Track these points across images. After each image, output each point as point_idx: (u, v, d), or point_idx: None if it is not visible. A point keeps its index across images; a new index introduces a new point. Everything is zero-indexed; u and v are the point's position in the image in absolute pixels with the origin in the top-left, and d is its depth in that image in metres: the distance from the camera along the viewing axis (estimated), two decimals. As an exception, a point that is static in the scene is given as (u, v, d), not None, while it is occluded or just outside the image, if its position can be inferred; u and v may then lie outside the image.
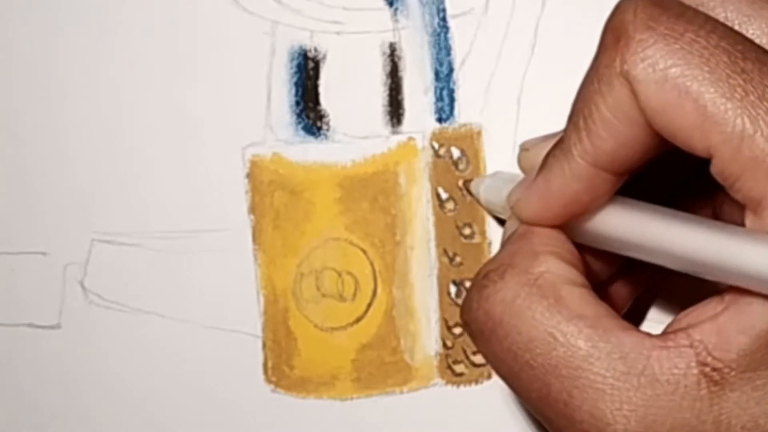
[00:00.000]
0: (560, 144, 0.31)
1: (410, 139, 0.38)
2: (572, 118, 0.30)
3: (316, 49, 0.38)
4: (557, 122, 0.38)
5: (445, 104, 0.38)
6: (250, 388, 0.38)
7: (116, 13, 0.38)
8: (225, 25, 0.38)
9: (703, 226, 0.29)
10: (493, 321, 0.30)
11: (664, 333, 0.30)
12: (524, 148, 0.35)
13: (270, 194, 0.38)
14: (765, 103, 0.27)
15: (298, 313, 0.38)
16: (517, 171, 0.36)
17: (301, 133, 0.38)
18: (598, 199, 0.30)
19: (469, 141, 0.38)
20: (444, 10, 0.38)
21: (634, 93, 0.28)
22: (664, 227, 0.30)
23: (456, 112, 0.38)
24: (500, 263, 0.31)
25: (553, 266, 0.30)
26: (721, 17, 0.30)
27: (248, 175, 0.38)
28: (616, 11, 0.29)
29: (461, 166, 0.38)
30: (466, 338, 0.38)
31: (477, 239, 0.38)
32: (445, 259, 0.38)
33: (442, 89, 0.38)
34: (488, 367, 0.38)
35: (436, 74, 0.38)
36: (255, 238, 0.38)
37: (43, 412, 0.39)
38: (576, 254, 0.31)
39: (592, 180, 0.30)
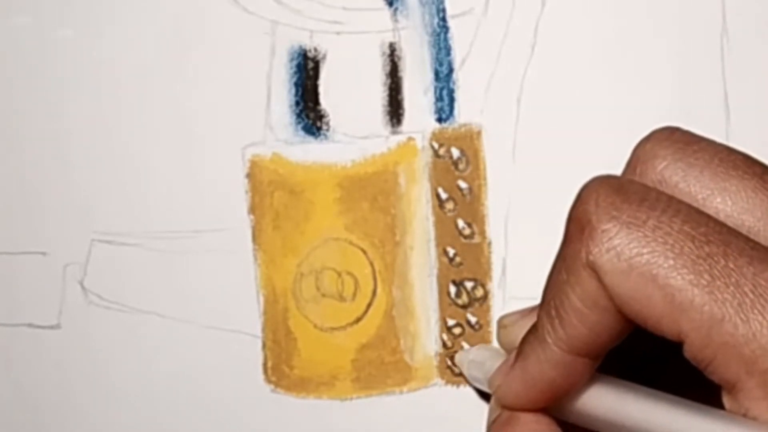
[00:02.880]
0: (534, 331, 0.31)
1: (410, 139, 0.38)
2: (543, 306, 0.30)
3: (315, 49, 0.38)
4: (557, 122, 0.38)
5: (444, 104, 0.38)
6: (250, 388, 0.38)
7: (116, 13, 0.38)
8: (225, 25, 0.38)
9: (683, 409, 0.29)
10: None
11: None
12: (502, 326, 0.36)
13: (270, 194, 0.38)
14: (731, 288, 0.27)
15: (298, 313, 0.38)
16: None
17: (301, 133, 0.38)
18: (578, 382, 0.31)
19: (469, 141, 0.38)
20: (444, 10, 0.38)
21: (602, 283, 0.29)
22: (645, 408, 0.30)
23: (456, 112, 0.38)
24: None
25: None
26: (684, 192, 0.30)
27: (248, 175, 0.38)
28: (578, 201, 0.29)
29: (461, 166, 0.38)
30: (466, 338, 0.38)
31: (477, 239, 0.38)
32: (445, 259, 0.38)
33: (441, 89, 0.38)
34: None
35: (436, 74, 0.38)
36: (255, 238, 0.38)
37: (43, 412, 0.39)
38: None
39: (568, 366, 0.30)
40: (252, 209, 0.38)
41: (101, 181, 0.39)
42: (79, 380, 0.39)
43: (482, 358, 0.36)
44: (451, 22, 0.38)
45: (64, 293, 0.39)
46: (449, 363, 0.38)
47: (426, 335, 0.38)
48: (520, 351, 0.31)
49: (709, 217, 0.29)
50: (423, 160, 0.38)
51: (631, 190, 0.29)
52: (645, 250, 0.28)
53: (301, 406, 0.38)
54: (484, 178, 0.38)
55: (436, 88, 0.38)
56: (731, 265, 0.28)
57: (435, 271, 0.38)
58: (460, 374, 0.38)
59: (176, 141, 0.38)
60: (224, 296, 0.38)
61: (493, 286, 0.38)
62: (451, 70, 0.38)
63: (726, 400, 0.28)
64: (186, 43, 0.38)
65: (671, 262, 0.28)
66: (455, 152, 0.38)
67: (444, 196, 0.38)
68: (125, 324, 0.39)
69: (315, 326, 0.38)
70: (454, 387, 0.38)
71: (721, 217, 0.30)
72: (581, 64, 0.38)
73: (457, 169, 0.38)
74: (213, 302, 0.38)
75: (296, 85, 0.38)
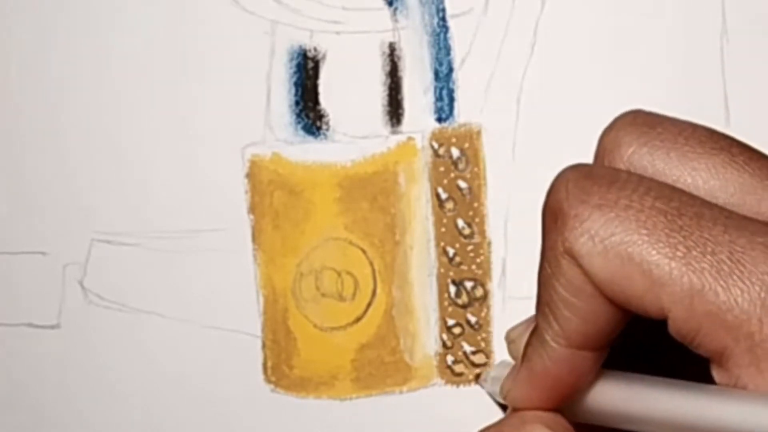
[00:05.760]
0: (535, 332, 0.31)
1: (410, 138, 0.38)
2: (538, 305, 0.30)
3: (315, 49, 0.38)
4: (557, 122, 0.38)
5: (444, 104, 0.38)
6: (249, 388, 0.38)
7: (116, 13, 0.38)
8: (225, 25, 0.38)
9: (694, 393, 0.29)
10: None
11: None
12: (510, 341, 0.36)
13: (269, 194, 0.38)
14: (708, 256, 0.27)
15: (298, 312, 0.38)
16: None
17: (301, 132, 0.38)
18: (585, 377, 0.31)
19: (469, 141, 0.38)
20: (444, 10, 0.38)
21: (582, 268, 0.29)
22: (655, 397, 0.30)
23: (456, 111, 0.38)
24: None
25: None
26: (654, 176, 0.30)
27: (248, 175, 0.38)
28: (550, 192, 0.30)
29: (461, 166, 0.38)
30: (466, 338, 0.38)
31: (477, 239, 0.38)
32: (445, 259, 0.38)
33: (441, 89, 0.38)
34: (487, 367, 0.38)
35: (436, 74, 0.38)
36: (254, 238, 0.38)
37: (43, 412, 0.39)
38: (569, 429, 0.31)
39: (570, 361, 0.30)
40: (252, 209, 0.38)
41: (101, 181, 0.39)
42: (79, 380, 0.39)
43: (502, 374, 0.36)
44: (450, 22, 0.38)
45: (64, 293, 0.39)
46: (449, 363, 0.38)
47: (426, 335, 0.38)
48: (524, 354, 0.31)
49: (681, 191, 0.29)
50: (423, 160, 0.38)
51: (600, 173, 0.29)
52: (618, 230, 0.28)
53: (301, 406, 0.38)
54: (484, 178, 0.38)
55: (435, 87, 0.38)
56: (706, 235, 0.28)
57: (435, 271, 0.38)
58: (460, 374, 0.38)
59: (176, 141, 0.38)
60: (224, 296, 0.38)
61: (493, 285, 0.38)
62: (450, 70, 0.38)
63: (716, 374, 0.28)
64: (186, 42, 0.38)
65: (645, 238, 0.28)
66: (455, 152, 0.38)
67: (444, 195, 0.38)
68: (125, 324, 0.39)
69: (315, 326, 0.38)
70: (454, 387, 0.38)
71: None
72: (581, 64, 0.38)
73: (457, 168, 0.38)
74: (213, 302, 0.38)
75: (296, 84, 0.38)
